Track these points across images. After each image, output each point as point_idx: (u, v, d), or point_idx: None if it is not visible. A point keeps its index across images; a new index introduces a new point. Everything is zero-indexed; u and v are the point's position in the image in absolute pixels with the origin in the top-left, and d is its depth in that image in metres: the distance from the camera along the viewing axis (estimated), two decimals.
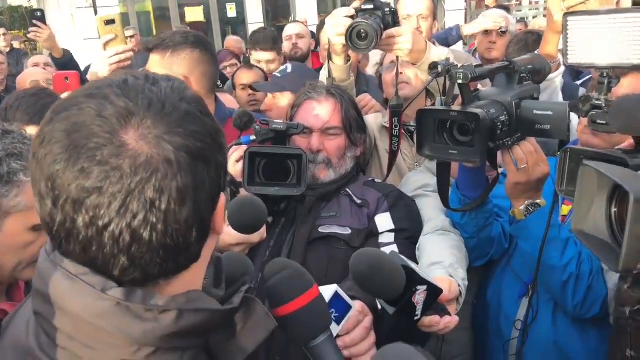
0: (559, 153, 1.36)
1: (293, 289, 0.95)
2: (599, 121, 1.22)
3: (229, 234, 1.54)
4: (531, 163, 1.50)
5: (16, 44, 7.32)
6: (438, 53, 2.01)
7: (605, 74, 1.22)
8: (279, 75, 2.75)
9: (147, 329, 0.72)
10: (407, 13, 3.26)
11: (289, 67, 2.80)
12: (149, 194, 0.68)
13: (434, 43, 3.40)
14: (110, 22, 2.23)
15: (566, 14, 1.26)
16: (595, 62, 1.22)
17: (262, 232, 1.71)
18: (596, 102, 1.23)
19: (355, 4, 1.99)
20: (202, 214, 0.73)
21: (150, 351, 0.73)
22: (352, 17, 1.90)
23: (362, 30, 1.80)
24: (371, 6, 1.90)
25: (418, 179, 2.02)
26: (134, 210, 0.68)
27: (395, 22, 1.95)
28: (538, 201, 1.62)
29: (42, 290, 0.76)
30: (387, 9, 1.92)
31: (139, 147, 0.68)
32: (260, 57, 3.84)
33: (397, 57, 2.10)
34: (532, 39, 2.96)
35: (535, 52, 1.89)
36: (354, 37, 1.82)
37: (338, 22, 1.90)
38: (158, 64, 2.08)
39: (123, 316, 0.72)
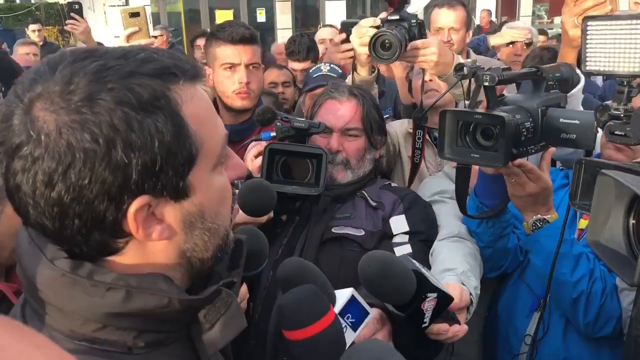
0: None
1: (307, 314, 0.89)
2: (617, 132, 1.17)
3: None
4: (522, 179, 1.51)
5: (50, 38, 7.52)
6: None
7: (625, 83, 1.17)
8: (314, 75, 2.74)
9: (92, 304, 0.72)
10: (438, 25, 3.27)
11: (322, 67, 2.78)
12: (22, 162, 0.68)
13: (468, 52, 3.41)
14: (135, 14, 2.24)
15: (586, 18, 1.21)
16: (614, 69, 1.16)
17: (269, 213, 1.70)
18: (614, 112, 1.18)
19: (382, 15, 1.97)
20: (89, 208, 0.68)
21: (97, 326, 0.73)
22: (377, 27, 1.89)
23: (386, 40, 1.79)
24: (397, 17, 1.88)
25: (435, 185, 2.00)
26: (15, 171, 0.68)
27: (422, 34, 1.93)
28: (547, 217, 1.60)
29: (18, 256, 0.78)
30: (413, 21, 1.90)
31: (36, 116, 0.67)
32: (295, 66, 3.88)
33: (423, 69, 2.08)
34: (548, 56, 2.95)
35: None
36: (377, 46, 1.80)
37: (363, 32, 1.90)
38: (252, 53, 2.20)
39: (68, 288, 0.72)
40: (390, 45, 1.78)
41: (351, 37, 2.00)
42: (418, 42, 1.87)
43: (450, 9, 3.29)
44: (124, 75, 0.68)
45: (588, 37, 1.18)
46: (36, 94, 0.68)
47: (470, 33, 3.43)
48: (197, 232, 0.77)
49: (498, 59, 4.32)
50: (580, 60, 1.27)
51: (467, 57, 3.38)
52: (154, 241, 0.74)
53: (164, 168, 0.70)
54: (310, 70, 2.67)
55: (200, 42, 5.56)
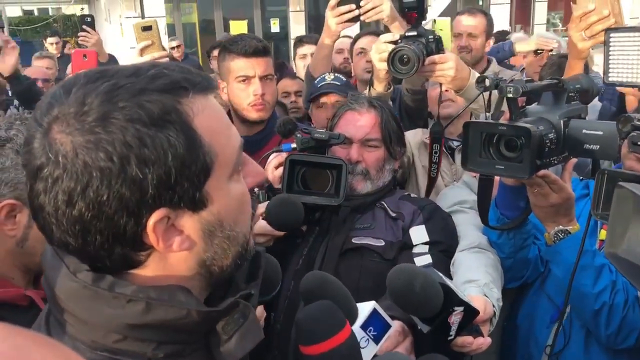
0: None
1: (323, 329, 0.91)
2: None
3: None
4: (545, 190, 1.50)
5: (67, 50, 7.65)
6: None
7: None
8: (319, 85, 2.76)
9: (113, 315, 0.73)
10: (457, 31, 3.36)
11: (326, 76, 2.79)
12: (43, 183, 0.70)
13: (489, 61, 3.42)
14: (147, 28, 2.26)
15: (608, 30, 1.21)
16: (637, 80, 1.16)
17: None
18: (638, 122, 1.18)
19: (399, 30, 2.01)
20: (110, 224, 0.70)
21: (118, 337, 0.74)
22: (395, 42, 1.92)
23: (404, 55, 1.81)
24: (415, 33, 1.91)
25: (455, 195, 2.01)
26: (38, 192, 0.71)
27: (439, 49, 1.95)
28: (568, 228, 1.60)
29: (44, 267, 0.81)
30: (430, 37, 1.92)
31: (54, 138, 0.69)
32: (305, 50, 3.97)
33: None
34: (565, 63, 2.94)
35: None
36: (396, 61, 1.83)
37: (382, 48, 1.93)
38: (266, 65, 2.22)
39: (90, 300, 0.74)
40: (408, 59, 1.81)
41: (371, 53, 2.03)
42: (436, 57, 1.89)
43: (470, 15, 3.39)
44: (134, 93, 0.70)
45: (610, 48, 1.18)
46: (53, 117, 0.70)
47: (491, 42, 3.47)
48: (217, 240, 0.78)
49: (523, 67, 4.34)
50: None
51: (488, 65, 3.43)
52: (174, 252, 0.75)
53: (179, 180, 0.71)
54: (316, 81, 2.71)
55: (216, 52, 5.61)
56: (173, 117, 0.71)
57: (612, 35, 1.19)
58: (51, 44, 7.29)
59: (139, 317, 0.73)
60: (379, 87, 2.14)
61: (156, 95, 0.71)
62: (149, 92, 0.71)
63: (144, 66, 0.75)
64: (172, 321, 0.74)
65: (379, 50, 1.95)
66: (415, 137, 2.43)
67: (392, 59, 1.82)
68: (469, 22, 3.35)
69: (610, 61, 1.20)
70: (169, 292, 0.75)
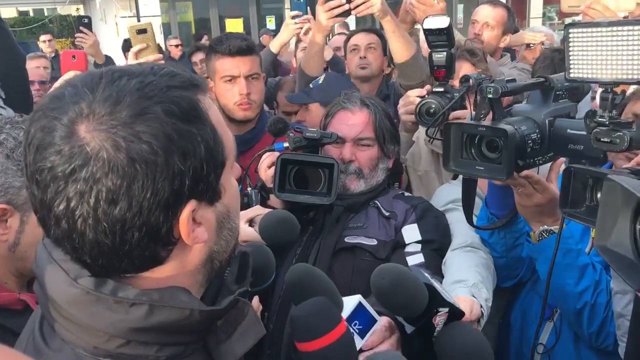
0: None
1: (319, 326, 0.92)
2: (603, 139, 1.16)
3: (242, 230, 1.55)
4: (528, 190, 1.50)
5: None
6: None
7: (609, 90, 1.15)
8: (311, 86, 2.78)
9: (116, 320, 0.73)
10: (474, 18, 3.37)
11: (321, 78, 2.81)
12: (80, 185, 0.68)
13: (502, 55, 3.43)
14: (142, 31, 2.26)
15: (567, 25, 1.18)
16: (598, 77, 1.13)
17: None
18: (600, 119, 1.16)
19: (427, 87, 2.07)
20: (148, 220, 0.71)
21: (121, 342, 0.74)
22: (423, 97, 1.97)
23: (430, 107, 1.87)
24: (442, 89, 1.98)
25: (450, 193, 2.00)
26: (68, 195, 0.69)
27: (463, 106, 2.00)
28: (553, 227, 1.59)
29: (37, 274, 0.80)
30: (456, 94, 1.98)
31: (84, 137, 0.68)
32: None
33: None
34: (559, 57, 2.92)
35: None
36: (422, 112, 1.89)
37: (410, 101, 2.03)
38: (251, 64, 2.25)
39: (92, 305, 0.74)
40: (434, 111, 1.87)
41: (398, 106, 2.12)
42: (459, 113, 1.94)
43: (491, 5, 3.38)
44: (163, 89, 0.72)
45: (570, 44, 1.16)
46: (82, 115, 0.69)
47: (508, 38, 3.44)
48: (225, 232, 0.81)
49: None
50: None
51: (500, 59, 3.43)
52: (196, 244, 0.77)
53: (208, 172, 0.74)
54: (312, 84, 2.72)
55: (196, 57, 5.56)
56: (199, 112, 0.74)
57: (571, 30, 1.16)
58: (44, 42, 7.27)
59: (143, 320, 0.73)
60: (405, 136, 2.25)
61: (181, 92, 0.74)
62: (174, 88, 0.73)
63: (154, 66, 0.77)
64: (176, 322, 0.75)
65: (406, 103, 2.03)
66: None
67: (419, 110, 1.88)
68: (487, 12, 3.34)
69: (570, 57, 1.17)
70: (171, 294, 0.76)
